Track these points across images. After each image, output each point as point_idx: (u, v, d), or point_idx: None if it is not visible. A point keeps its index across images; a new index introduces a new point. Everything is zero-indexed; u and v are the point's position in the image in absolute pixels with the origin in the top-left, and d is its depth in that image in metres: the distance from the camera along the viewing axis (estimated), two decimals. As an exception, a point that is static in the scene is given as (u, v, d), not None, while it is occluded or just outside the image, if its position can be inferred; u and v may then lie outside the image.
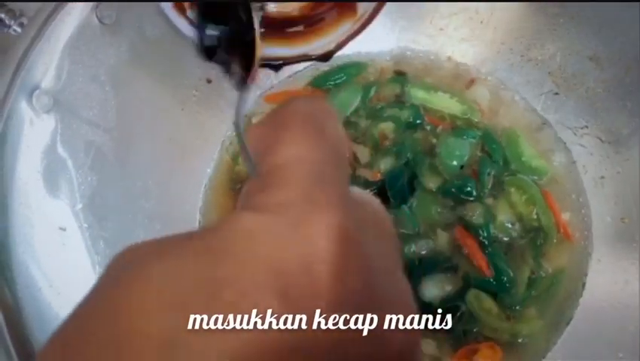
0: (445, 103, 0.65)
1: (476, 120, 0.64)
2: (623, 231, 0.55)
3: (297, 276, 0.17)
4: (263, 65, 0.33)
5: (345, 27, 0.36)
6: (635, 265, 0.53)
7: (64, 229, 0.52)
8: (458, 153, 0.62)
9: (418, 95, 0.66)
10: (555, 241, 0.58)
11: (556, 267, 0.57)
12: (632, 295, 0.52)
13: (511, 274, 0.56)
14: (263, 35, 0.32)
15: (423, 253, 0.58)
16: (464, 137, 0.63)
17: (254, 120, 0.66)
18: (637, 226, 0.54)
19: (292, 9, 0.35)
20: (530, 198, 0.59)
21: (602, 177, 0.58)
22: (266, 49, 0.32)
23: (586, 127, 0.59)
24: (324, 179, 0.19)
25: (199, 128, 0.63)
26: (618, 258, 0.54)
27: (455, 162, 0.62)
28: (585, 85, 0.60)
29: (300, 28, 0.35)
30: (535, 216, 0.59)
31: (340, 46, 0.36)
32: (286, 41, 0.35)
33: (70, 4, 0.50)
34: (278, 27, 0.34)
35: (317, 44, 0.35)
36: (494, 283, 0.56)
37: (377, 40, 0.68)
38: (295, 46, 0.35)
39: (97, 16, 0.53)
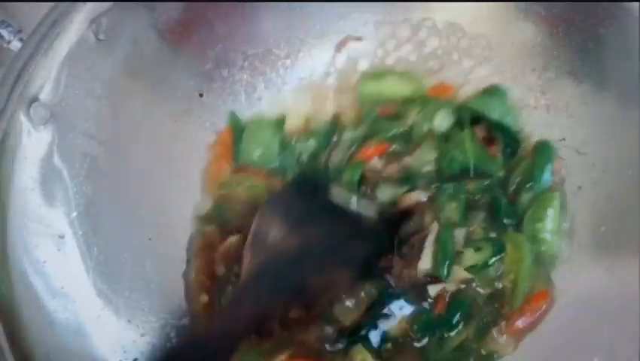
0: (395, 86, 0.66)
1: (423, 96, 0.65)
2: (599, 238, 0.56)
3: None
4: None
5: None
6: (610, 271, 0.54)
7: (62, 237, 0.54)
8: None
9: (369, 89, 0.67)
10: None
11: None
12: (607, 301, 0.53)
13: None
14: None
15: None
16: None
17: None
18: (612, 234, 0.55)
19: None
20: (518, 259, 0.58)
21: (579, 187, 0.59)
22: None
23: (564, 140, 0.60)
24: None
25: (190, 140, 0.65)
26: (594, 265, 0.55)
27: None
28: (563, 99, 0.61)
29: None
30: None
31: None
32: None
33: (67, 20, 0.52)
34: None
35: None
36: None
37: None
38: None
39: (93, 32, 0.54)
